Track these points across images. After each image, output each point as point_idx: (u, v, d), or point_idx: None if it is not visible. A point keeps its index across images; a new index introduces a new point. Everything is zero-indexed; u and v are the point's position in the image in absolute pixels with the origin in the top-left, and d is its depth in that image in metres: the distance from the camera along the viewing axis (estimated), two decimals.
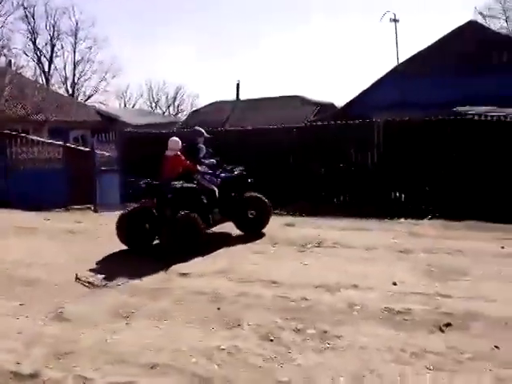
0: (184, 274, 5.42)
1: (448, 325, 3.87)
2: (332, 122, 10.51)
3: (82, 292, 5.03)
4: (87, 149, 12.14)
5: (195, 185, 6.76)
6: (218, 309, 4.36)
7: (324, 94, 61.34)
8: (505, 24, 28.17)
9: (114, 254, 6.49)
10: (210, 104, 27.89)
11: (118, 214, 6.93)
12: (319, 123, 10.89)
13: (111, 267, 5.86)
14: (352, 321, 4.04)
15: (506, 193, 7.89)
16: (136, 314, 4.31)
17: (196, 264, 5.84)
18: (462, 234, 6.79)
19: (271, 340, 3.74)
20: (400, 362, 3.34)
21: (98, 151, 11.24)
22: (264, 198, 7.24)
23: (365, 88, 18.45)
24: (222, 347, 3.60)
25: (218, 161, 7.22)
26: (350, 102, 18.95)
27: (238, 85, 28.45)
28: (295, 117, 19.28)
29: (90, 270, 5.69)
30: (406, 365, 3.31)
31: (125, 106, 42.99)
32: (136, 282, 5.22)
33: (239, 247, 6.60)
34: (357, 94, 18.78)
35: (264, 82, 57.91)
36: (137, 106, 42.67)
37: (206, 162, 7.10)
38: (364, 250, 6.17)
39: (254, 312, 4.28)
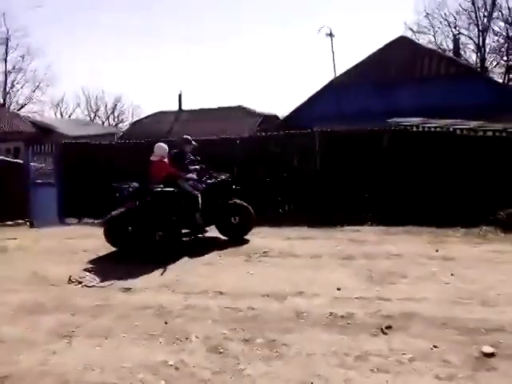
0: (127, 289, 5.26)
1: (389, 327, 4.02)
2: (275, 133, 10.69)
3: None
4: (20, 161, 11.52)
5: (177, 189, 6.88)
6: (165, 323, 4.26)
7: (267, 105, 62.35)
8: (433, 39, 30.05)
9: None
10: (153, 114, 27.54)
11: (57, 229, 6.66)
12: (263, 134, 11.04)
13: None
14: (299, 328, 4.09)
15: (439, 198, 8.37)
16: (77, 332, 4.12)
17: (143, 278, 5.71)
18: (399, 238, 7.12)
19: (220, 352, 3.71)
20: (345, 367, 3.43)
21: (33, 164, 10.69)
22: (247, 205, 7.42)
23: (305, 99, 18.97)
24: (170, 362, 3.52)
25: (203, 167, 7.44)
26: (292, 112, 19.40)
27: (180, 95, 28.37)
28: (238, 127, 19.48)
29: None
30: (351, 369, 3.39)
31: (61, 115, 41.34)
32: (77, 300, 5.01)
33: (185, 259, 6.52)
34: (298, 105, 19.26)
35: (207, 93, 58.02)
36: (74, 116, 41.17)
37: (192, 168, 7.30)
38: (309, 258, 6.29)
39: (201, 324, 4.23)
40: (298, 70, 62.45)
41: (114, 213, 6.94)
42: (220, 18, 64.25)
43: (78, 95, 59.19)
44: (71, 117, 40.78)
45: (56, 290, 5.38)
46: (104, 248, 7.07)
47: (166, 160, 7.18)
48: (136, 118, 34.35)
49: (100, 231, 7.33)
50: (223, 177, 7.50)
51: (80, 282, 5.64)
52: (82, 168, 10.81)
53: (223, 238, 7.46)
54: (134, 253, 6.58)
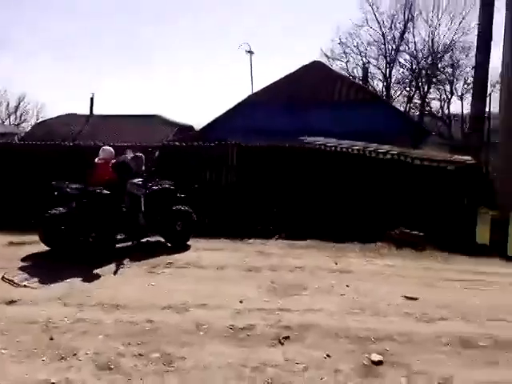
0: (12, 302, 4.80)
1: (286, 338, 4.09)
2: (190, 143, 10.54)
3: None
4: None
5: (119, 192, 6.87)
6: (51, 339, 3.93)
7: (183, 116, 61.72)
8: (345, 66, 31.96)
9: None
10: (60, 116, 25.95)
11: None
12: (177, 143, 10.81)
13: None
14: (198, 341, 4.01)
15: (341, 215, 8.80)
16: None
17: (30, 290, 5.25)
18: (303, 252, 7.33)
19: (110, 368, 3.49)
20: (241, 378, 3.41)
21: None
22: (191, 211, 7.54)
23: (222, 113, 19.09)
24: (52, 381, 3.25)
25: (147, 177, 7.34)
26: (209, 125, 19.38)
27: (92, 98, 27.14)
28: (154, 136, 19.01)
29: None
30: (246, 380, 3.38)
31: None
32: None
33: (84, 268, 6.11)
34: (215, 117, 19.32)
35: (122, 100, 55.97)
36: None
37: (134, 181, 7.17)
38: (215, 269, 6.22)
39: (92, 340, 3.96)
40: (218, 84, 62.79)
41: (50, 212, 6.78)
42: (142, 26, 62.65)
43: None
44: None
45: None
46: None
47: (109, 164, 7.26)
48: (41, 119, 32.15)
49: None
50: (167, 184, 7.54)
51: (13, 282, 5.51)
52: None
53: (168, 244, 7.42)
54: (66, 254, 6.58)
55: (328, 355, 3.78)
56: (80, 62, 62.02)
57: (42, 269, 6.05)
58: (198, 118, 63.47)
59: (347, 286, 5.55)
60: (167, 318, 4.48)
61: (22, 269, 6.06)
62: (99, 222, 6.69)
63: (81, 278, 5.65)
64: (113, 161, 7.35)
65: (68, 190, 6.66)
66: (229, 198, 9.35)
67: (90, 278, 5.71)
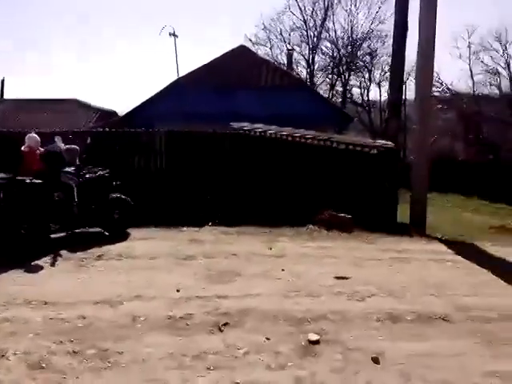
0: None
1: (226, 324, 4.11)
2: (120, 130, 10.12)
3: None
4: None
5: (50, 181, 6.51)
6: None
7: (105, 101, 58.93)
8: (270, 52, 32.28)
9: None
10: None
11: None
12: (106, 129, 10.30)
13: None
14: (135, 334, 3.90)
15: (273, 200, 8.98)
16: None
17: None
18: (237, 238, 7.38)
19: (42, 367, 3.30)
20: (182, 367, 3.38)
21: None
22: (128, 199, 7.38)
23: (147, 98, 18.51)
24: None
25: (79, 166, 7.08)
26: (133, 110, 18.74)
27: (2, 81, 24.97)
28: (72, 122, 17.97)
29: None
30: (188, 369, 3.36)
31: None
32: None
33: (12, 262, 5.64)
34: (140, 103, 18.68)
35: (36, 83, 52.12)
36: None
37: (66, 169, 6.92)
38: (148, 259, 6.07)
39: (20, 340, 3.70)
40: (143, 70, 60.59)
41: None
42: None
43: None
44: None
45: None
46: None
47: (37, 152, 7.05)
48: None
49: None
50: (101, 172, 7.27)
51: None
52: None
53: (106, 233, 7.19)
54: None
55: (267, 338, 3.86)
56: None
57: None
58: (122, 103, 61.10)
59: (282, 269, 5.68)
60: (100, 312, 4.30)
61: None
62: (31, 212, 6.33)
63: (5, 274, 5.28)
64: (40, 149, 6.94)
65: None
66: (159, 186, 9.16)
67: (16, 273, 5.35)
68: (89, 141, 7.54)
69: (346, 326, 4.13)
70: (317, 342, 3.80)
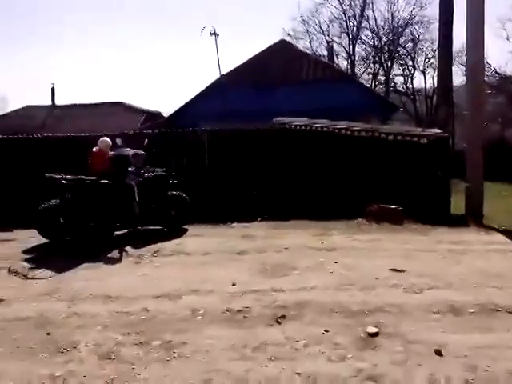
0: (1, 300, 4.67)
1: (283, 317, 4.17)
2: (164, 130, 10.39)
3: None
4: None
5: (113, 181, 6.95)
6: (48, 334, 3.87)
7: (150, 103, 60.44)
8: (309, 45, 31.99)
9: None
10: (21, 109, 25.00)
11: None
12: (149, 131, 10.62)
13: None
14: (196, 326, 4.03)
15: (322, 194, 8.94)
16: None
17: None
18: (288, 232, 7.41)
19: (112, 358, 3.48)
20: (244, 358, 3.46)
21: None
22: (185, 197, 7.70)
23: (191, 98, 18.84)
24: (57, 374, 3.22)
25: (139, 166, 7.42)
26: (178, 110, 19.14)
27: (52, 89, 26.28)
28: (119, 124, 18.58)
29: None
30: (250, 360, 3.44)
31: None
32: None
33: (77, 260, 6.00)
34: (183, 103, 19.05)
35: (84, 88, 54.30)
36: None
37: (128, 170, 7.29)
38: (202, 255, 6.23)
39: (90, 332, 3.93)
40: (185, 70, 61.70)
41: (45, 204, 6.80)
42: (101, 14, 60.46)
43: None
44: None
45: None
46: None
47: (107, 154, 7.40)
48: (1, 112, 30.79)
49: None
50: (159, 171, 7.65)
51: (18, 273, 5.59)
52: None
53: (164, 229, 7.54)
54: (65, 245, 6.66)
55: (326, 330, 3.87)
56: (36, 52, 59.42)
57: (41, 261, 6.02)
58: (165, 104, 62.51)
59: (335, 262, 5.67)
60: (162, 306, 4.48)
61: (25, 261, 6.10)
62: (97, 211, 6.70)
63: (73, 271, 5.60)
64: (110, 152, 7.32)
65: (63, 181, 6.57)
66: (205, 184, 9.33)
67: (81, 268, 5.67)
68: (146, 142, 7.80)
69: (405, 318, 4.07)
70: (376, 335, 3.77)
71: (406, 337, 3.71)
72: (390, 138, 9.09)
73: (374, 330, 3.84)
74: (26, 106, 25.31)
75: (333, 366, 3.33)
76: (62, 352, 3.58)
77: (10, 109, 27.49)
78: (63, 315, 4.27)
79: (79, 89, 53.20)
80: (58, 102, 26.03)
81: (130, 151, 7.38)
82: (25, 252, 6.61)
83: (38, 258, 6.33)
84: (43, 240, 7.01)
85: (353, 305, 4.38)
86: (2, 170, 9.29)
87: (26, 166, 9.09)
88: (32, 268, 5.79)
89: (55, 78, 64.01)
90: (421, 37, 29.47)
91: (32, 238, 7.05)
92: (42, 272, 5.62)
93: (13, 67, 56.17)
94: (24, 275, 5.55)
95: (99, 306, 4.49)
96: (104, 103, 24.25)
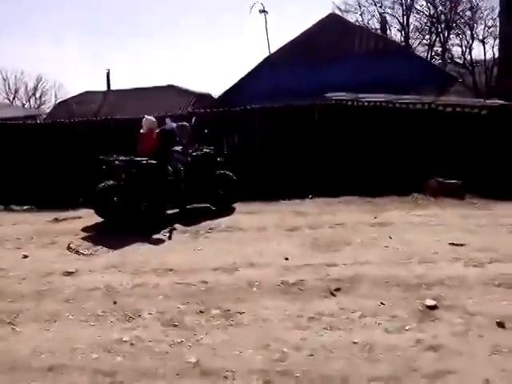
0: (71, 273, 5.01)
1: (338, 289, 4.19)
2: (214, 109, 10.52)
3: None
4: None
5: (162, 162, 7.08)
6: (115, 303, 4.13)
7: (200, 84, 60.96)
8: (360, 18, 30.85)
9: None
10: (79, 94, 26.09)
11: None
12: (205, 110, 10.77)
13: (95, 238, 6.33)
14: (253, 297, 4.15)
15: (374, 169, 8.75)
16: (21, 318, 3.89)
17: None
18: (340, 208, 7.34)
19: (175, 325, 3.67)
20: (300, 328, 3.55)
21: None
22: (232, 175, 7.72)
23: (240, 78, 18.85)
24: (124, 339, 3.45)
25: (186, 144, 7.53)
26: (227, 91, 19.23)
27: (108, 74, 27.19)
28: (171, 107, 18.95)
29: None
30: (306, 329, 3.52)
31: None
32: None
33: (135, 237, 6.22)
34: (233, 84, 19.11)
35: (136, 72, 55.57)
36: None
37: (175, 149, 7.44)
38: (255, 231, 6.32)
39: (153, 301, 4.15)
40: (234, 49, 61.50)
41: (101, 185, 7.05)
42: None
43: None
44: None
45: None
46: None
47: (154, 133, 7.40)
48: (60, 99, 32.31)
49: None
50: (206, 149, 7.68)
51: (77, 251, 5.82)
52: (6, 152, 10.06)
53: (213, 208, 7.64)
54: (120, 223, 6.81)
55: (382, 303, 3.86)
56: (90, 39, 61.36)
57: (99, 239, 6.28)
58: (215, 84, 62.90)
59: (390, 237, 5.58)
60: (219, 278, 4.63)
61: (84, 239, 6.38)
62: (149, 191, 6.94)
63: (133, 246, 5.87)
64: (156, 130, 7.47)
65: (117, 162, 6.85)
66: (256, 161, 9.38)
67: (140, 245, 5.93)
68: (193, 121, 7.93)
69: (466, 291, 3.97)
70: (435, 307, 3.72)
71: (467, 309, 3.64)
72: (448, 109, 8.70)
73: (432, 302, 3.79)
74: (84, 91, 26.39)
75: (390, 337, 3.34)
76: (128, 319, 3.82)
77: (68, 95, 28.78)
78: (128, 286, 4.52)
79: (132, 73, 54.48)
80: (113, 87, 26.94)
81: (173, 124, 7.48)
82: (84, 230, 6.89)
83: (97, 235, 6.61)
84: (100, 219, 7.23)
85: (410, 278, 4.32)
86: (66, 152, 9.80)
87: (88, 147, 9.49)
88: (94, 244, 6.08)
89: (109, 64, 65.85)
90: (480, 4, 27.54)
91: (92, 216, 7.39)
92: (103, 248, 5.90)
93: (68, 55, 58.40)
94: (86, 250, 5.87)
95: (160, 278, 4.71)
96: (156, 87, 24.76)
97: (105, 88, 27.20)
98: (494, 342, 3.11)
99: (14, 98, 38.91)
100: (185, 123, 7.65)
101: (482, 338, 3.20)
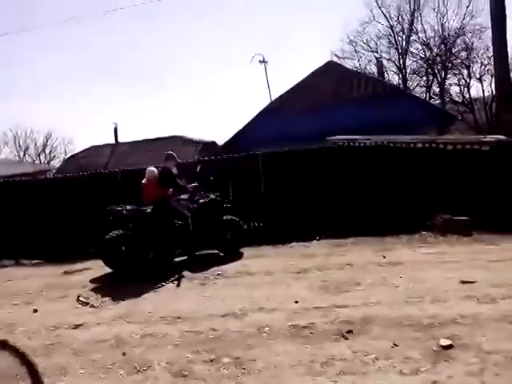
0: (79, 325, 4.98)
1: (349, 331, 4.12)
2: (219, 157, 10.72)
3: None
4: None
5: (168, 210, 7.17)
6: (124, 354, 4.08)
7: (205, 133, 62.44)
8: (357, 64, 31.84)
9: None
10: (88, 148, 26.74)
11: None
12: (205, 158, 10.98)
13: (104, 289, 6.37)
14: (263, 342, 4.08)
15: (380, 208, 8.76)
16: None
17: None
18: (348, 249, 7.33)
19: (185, 375, 3.61)
20: (313, 374, 3.46)
21: None
22: (239, 220, 7.82)
23: (244, 125, 19.29)
24: None
25: (192, 192, 7.62)
26: (231, 138, 19.62)
27: (115, 128, 27.87)
28: (178, 156, 19.30)
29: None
30: (319, 375, 3.43)
31: None
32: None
33: (143, 286, 6.27)
34: (237, 131, 19.54)
35: (143, 125, 57.17)
36: (2, 156, 38.88)
37: (183, 183, 7.51)
38: (264, 275, 6.31)
39: (162, 351, 4.10)
40: (236, 98, 63.30)
41: (109, 235, 7.11)
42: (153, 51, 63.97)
43: (6, 134, 54.98)
44: None
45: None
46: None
47: (155, 182, 7.48)
48: (69, 154, 33.09)
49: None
50: (213, 196, 7.79)
51: (87, 303, 5.83)
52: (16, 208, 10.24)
53: (221, 254, 7.67)
54: (129, 272, 6.91)
55: (395, 344, 3.78)
56: (98, 94, 63.56)
57: (108, 290, 6.32)
58: (219, 133, 64.29)
59: (400, 276, 5.53)
60: (228, 324, 4.58)
61: (92, 290, 6.42)
62: (156, 238, 6.99)
63: (141, 295, 5.87)
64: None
65: (124, 212, 6.99)
66: (261, 205, 9.44)
67: (149, 293, 5.93)
68: (198, 168, 8.09)
69: (480, 329, 3.88)
70: (450, 347, 3.63)
71: (482, 347, 3.55)
72: (449, 147, 8.82)
73: (447, 342, 3.70)
74: (92, 146, 27.04)
75: (406, 379, 3.26)
76: (138, 371, 3.76)
77: (77, 150, 29.49)
78: (137, 336, 4.48)
79: (137, 126, 56.00)
80: (121, 140, 27.63)
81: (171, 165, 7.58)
82: (93, 281, 6.94)
83: (106, 286, 6.66)
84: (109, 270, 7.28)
85: (422, 318, 4.25)
86: (75, 205, 9.93)
87: (96, 199, 9.63)
88: (103, 295, 6.10)
89: (114, 117, 67.76)
90: (474, 45, 28.43)
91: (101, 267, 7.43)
92: (112, 299, 5.89)
93: (76, 111, 60.29)
94: (96, 301, 5.86)
95: (169, 327, 4.67)
96: (162, 138, 25.38)
97: (112, 141, 27.86)
98: (510, 380, 3.02)
99: (24, 155, 39.93)
100: (179, 161, 7.84)
101: (498, 376, 3.11)
